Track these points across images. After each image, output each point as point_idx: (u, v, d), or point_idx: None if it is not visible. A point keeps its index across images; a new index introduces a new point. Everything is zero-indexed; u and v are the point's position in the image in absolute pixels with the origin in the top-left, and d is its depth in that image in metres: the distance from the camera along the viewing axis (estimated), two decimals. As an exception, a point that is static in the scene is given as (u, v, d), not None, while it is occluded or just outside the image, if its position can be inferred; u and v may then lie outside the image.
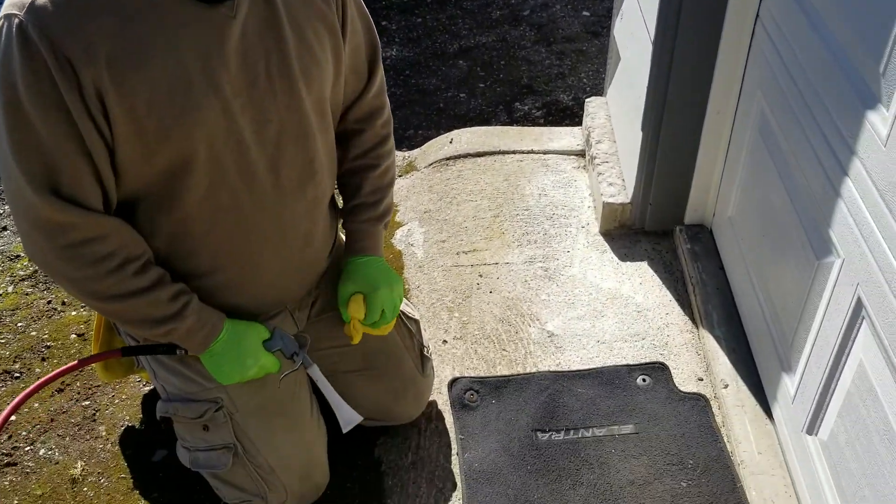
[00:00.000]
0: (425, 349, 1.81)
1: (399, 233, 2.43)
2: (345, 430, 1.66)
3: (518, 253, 2.32)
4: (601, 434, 1.81)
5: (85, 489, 1.81)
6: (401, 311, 1.75)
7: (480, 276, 2.26)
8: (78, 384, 2.04)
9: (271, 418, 1.55)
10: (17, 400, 1.43)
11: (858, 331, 1.35)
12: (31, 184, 1.18)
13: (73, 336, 2.16)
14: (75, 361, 1.51)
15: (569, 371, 1.96)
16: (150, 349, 1.48)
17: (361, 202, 1.59)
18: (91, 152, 1.18)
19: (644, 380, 1.92)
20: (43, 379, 1.48)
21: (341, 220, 1.64)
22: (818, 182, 1.48)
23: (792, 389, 1.64)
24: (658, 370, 1.94)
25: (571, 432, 1.82)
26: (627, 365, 1.97)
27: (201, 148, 1.24)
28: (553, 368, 1.99)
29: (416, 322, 1.81)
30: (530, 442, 1.81)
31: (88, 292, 1.30)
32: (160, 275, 1.33)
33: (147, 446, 1.89)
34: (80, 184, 1.21)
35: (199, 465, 1.57)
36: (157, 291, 1.32)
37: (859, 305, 1.34)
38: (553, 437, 1.81)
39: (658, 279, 2.21)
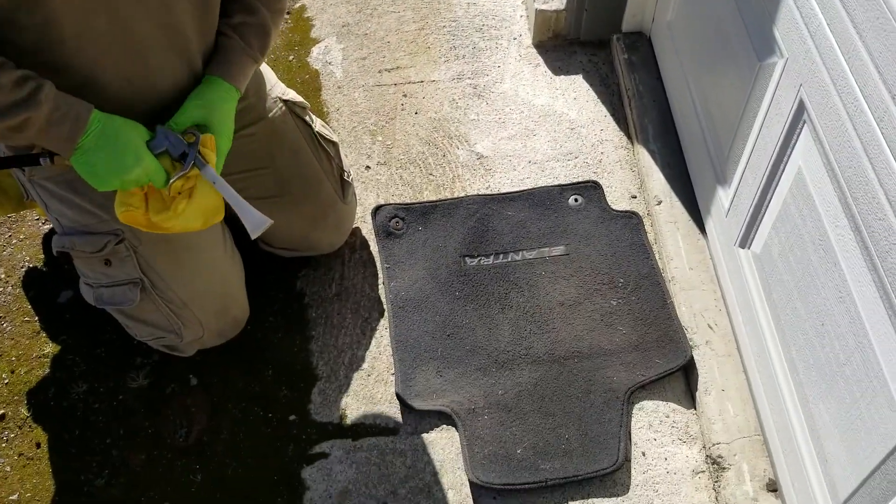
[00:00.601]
0: (345, 174, 1.68)
1: (315, 50, 2.23)
2: (253, 237, 1.48)
3: (445, 69, 2.15)
4: (531, 257, 1.74)
5: (-14, 335, 1.70)
6: (317, 133, 1.61)
7: (405, 95, 2.10)
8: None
9: (179, 250, 1.43)
10: None
11: (799, 136, 1.26)
12: None
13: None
14: None
15: (498, 194, 1.86)
16: (10, 161, 1.27)
17: (244, 21, 1.36)
18: None
19: (576, 199, 1.84)
20: None
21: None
22: (765, -27, 1.34)
23: (726, 203, 1.57)
24: (591, 189, 1.86)
25: (501, 256, 1.75)
26: (559, 185, 1.87)
27: None
28: (482, 192, 1.88)
29: (335, 145, 1.66)
30: (458, 268, 1.73)
31: None
32: (2, 60, 1.10)
33: (51, 287, 1.77)
34: None
35: (104, 301, 1.46)
36: None
37: (801, 109, 1.24)
38: (482, 261, 1.74)
39: (593, 93, 2.08)
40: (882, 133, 1.01)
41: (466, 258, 1.75)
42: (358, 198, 1.88)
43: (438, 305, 1.68)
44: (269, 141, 1.52)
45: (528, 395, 1.55)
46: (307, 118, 1.59)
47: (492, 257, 1.75)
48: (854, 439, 1.13)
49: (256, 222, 1.44)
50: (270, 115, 1.52)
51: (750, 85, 1.42)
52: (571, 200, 1.84)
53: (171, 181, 1.29)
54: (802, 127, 1.25)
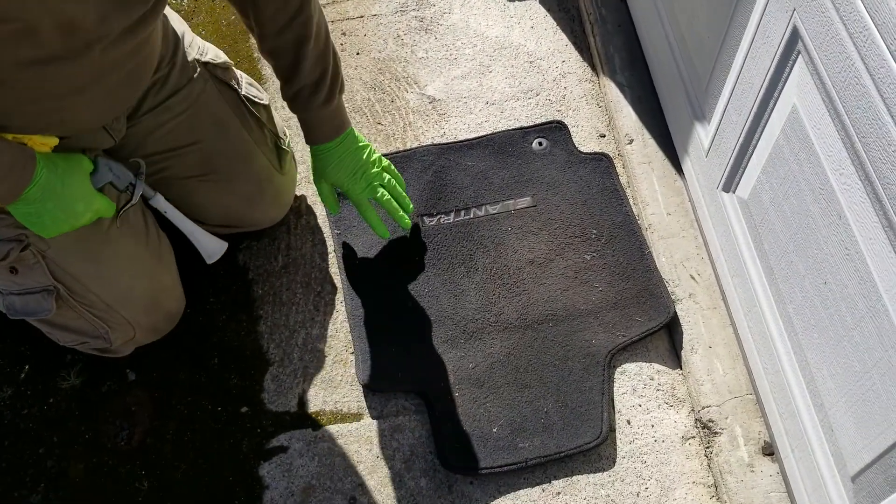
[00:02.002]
0: (281, 140, 1.49)
1: (241, -12, 1.99)
2: (210, 262, 1.40)
3: (387, 1, 1.94)
4: (495, 211, 1.59)
5: None
6: (245, 96, 1.42)
7: (343, 34, 1.89)
8: None
9: (95, 250, 1.25)
10: None
11: (792, 69, 1.11)
12: None
13: None
14: None
15: (455, 142, 1.69)
16: None
17: (303, 86, 1.27)
18: None
19: (540, 143, 1.67)
20: None
21: (288, 105, 1.35)
22: None
23: (706, 142, 1.42)
24: (556, 130, 1.69)
25: (462, 213, 1.59)
26: (521, 128, 1.70)
27: None
28: (438, 139, 1.71)
29: (266, 108, 1.47)
30: (417, 229, 1.57)
31: None
32: None
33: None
34: None
35: (17, 311, 1.28)
36: None
37: (794, 37, 1.08)
38: (442, 220, 1.58)
39: (551, 20, 1.89)
40: (899, 69, 0.85)
41: (424, 217, 1.59)
42: (300, 156, 1.69)
43: (397, 273, 1.53)
44: (190, 115, 1.33)
45: (500, 366, 1.42)
46: (232, 82, 1.39)
47: (452, 215, 1.59)
48: (865, 412, 1.02)
49: (212, 249, 1.41)
50: (189, 84, 1.32)
51: (731, 8, 1.25)
52: (535, 144, 1.67)
53: (121, 213, 1.26)
54: (797, 58, 1.09)
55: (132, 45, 1.08)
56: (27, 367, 1.49)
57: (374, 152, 1.43)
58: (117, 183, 1.24)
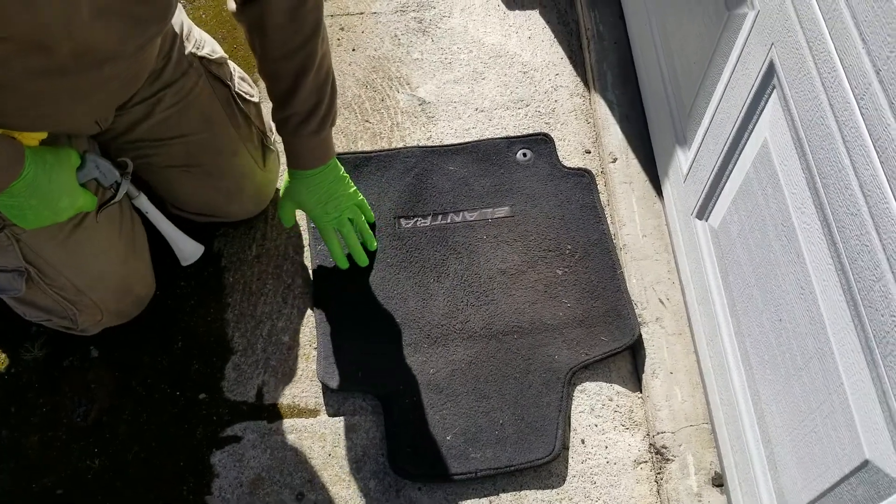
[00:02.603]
0: (267, 139, 1.49)
1: (244, -25, 1.99)
2: (184, 264, 1.41)
3: (388, 0, 1.94)
4: (472, 218, 1.58)
5: None
6: (236, 93, 1.42)
7: (342, 29, 1.89)
8: None
9: (70, 237, 1.25)
10: None
11: (767, 102, 1.10)
12: None
13: None
14: None
15: (440, 146, 1.69)
16: None
17: (294, 113, 1.27)
18: None
19: (525, 154, 1.67)
20: None
21: (276, 128, 1.35)
22: None
23: (685, 167, 1.42)
24: (541, 143, 1.69)
25: (439, 217, 1.58)
26: (507, 137, 1.70)
27: None
28: (423, 142, 1.71)
29: (256, 105, 1.47)
30: (392, 231, 1.57)
31: None
32: None
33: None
34: None
35: None
36: None
37: (771, 71, 1.07)
38: (418, 223, 1.58)
39: (550, 32, 1.88)
40: (861, 113, 0.85)
41: (401, 219, 1.58)
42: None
43: (367, 272, 1.53)
44: (180, 108, 1.33)
45: (461, 374, 1.42)
46: (225, 78, 1.39)
47: (429, 218, 1.58)
48: (807, 453, 1.01)
49: (189, 253, 1.42)
50: (181, 78, 1.32)
51: (717, 36, 1.25)
52: (520, 155, 1.67)
53: (102, 209, 1.26)
54: (772, 92, 1.08)
55: (139, 57, 1.11)
56: (-7, 335, 1.50)
57: (351, 185, 1.44)
58: (102, 180, 1.24)
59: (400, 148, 1.69)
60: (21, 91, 1.00)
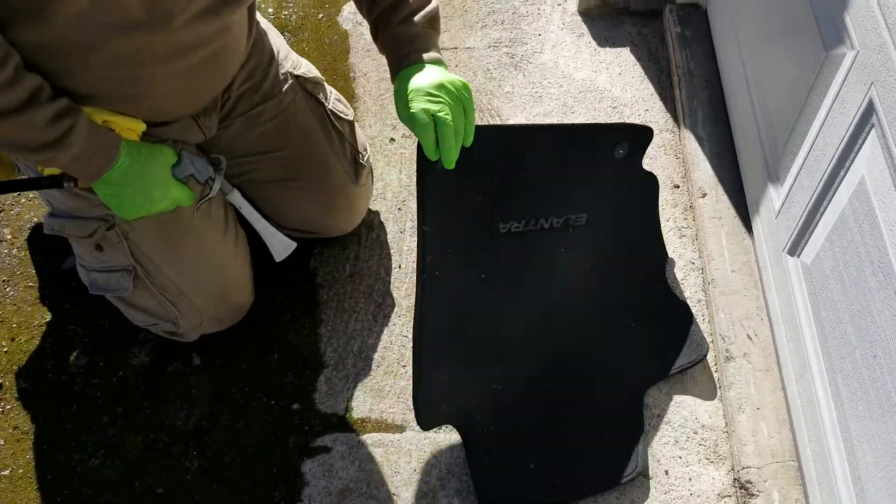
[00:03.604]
0: (360, 155, 1.56)
1: (346, 9, 2.10)
2: (278, 259, 1.47)
3: (482, 35, 2.01)
4: (558, 225, 1.43)
5: (-11, 299, 1.65)
6: (330, 111, 1.50)
7: (437, 62, 1.97)
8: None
9: (175, 237, 1.35)
10: None
11: (864, 141, 1.11)
12: None
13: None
14: None
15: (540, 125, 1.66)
16: (28, 184, 1.23)
17: (389, 4, 1.19)
18: None
19: (622, 150, 1.44)
20: None
21: (371, 31, 1.24)
22: (840, -50, 1.17)
23: (777, 203, 1.43)
24: (640, 137, 1.47)
25: (531, 222, 1.40)
26: (610, 125, 1.66)
27: None
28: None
29: (350, 124, 1.55)
30: (488, 235, 1.37)
31: None
32: (35, 88, 1.02)
33: (56, 252, 1.70)
34: None
35: (98, 287, 1.39)
36: (30, 112, 1.02)
37: (870, 110, 1.09)
38: (513, 227, 1.39)
39: (640, 69, 1.92)
40: (966, 152, 0.86)
41: (500, 223, 1.36)
42: (379, 173, 1.77)
43: (462, 287, 1.38)
44: (278, 123, 1.42)
45: (538, 399, 1.43)
46: (320, 96, 1.48)
47: (522, 222, 1.40)
48: (902, 491, 1.01)
49: (281, 247, 1.45)
50: (279, 94, 1.41)
51: (813, 76, 1.27)
52: (618, 151, 1.46)
53: (198, 205, 1.33)
54: (870, 131, 1.10)
55: (214, 27, 1.14)
56: (103, 340, 1.60)
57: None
58: (198, 176, 1.31)
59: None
60: (103, 50, 1.05)
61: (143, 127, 1.20)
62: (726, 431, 1.43)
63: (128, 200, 1.20)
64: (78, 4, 0.97)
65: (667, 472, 1.40)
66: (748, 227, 1.59)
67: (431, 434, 1.45)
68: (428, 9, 1.19)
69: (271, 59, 1.40)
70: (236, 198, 1.40)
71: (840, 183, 1.19)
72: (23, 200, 1.79)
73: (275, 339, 1.58)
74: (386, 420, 1.48)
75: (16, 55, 0.99)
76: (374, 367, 1.54)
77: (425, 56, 1.16)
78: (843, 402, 1.17)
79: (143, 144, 1.21)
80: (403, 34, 1.18)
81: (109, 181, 1.16)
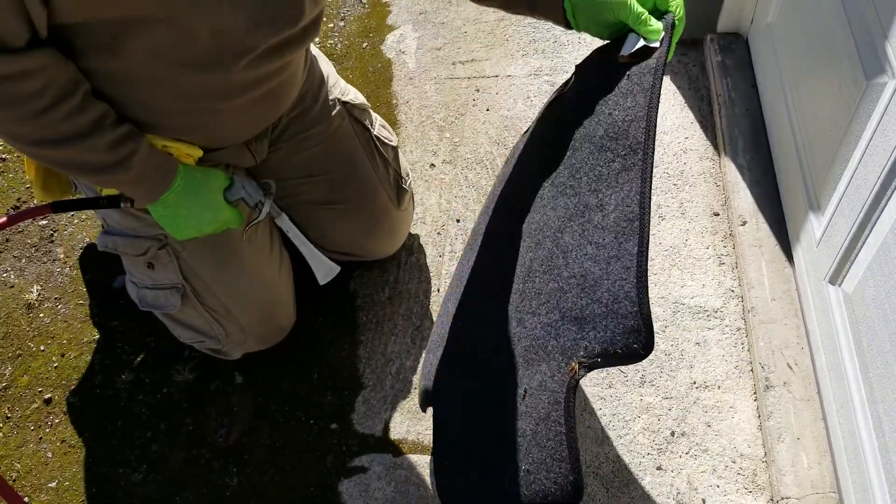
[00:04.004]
0: (403, 180, 1.60)
1: (390, 38, 2.15)
2: (322, 283, 1.51)
3: (522, 64, 2.04)
4: None
5: (41, 315, 1.70)
6: (376, 136, 1.53)
7: (477, 90, 2.00)
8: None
9: (223, 257, 1.39)
10: None
11: (907, 170, 1.11)
12: None
13: None
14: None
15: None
16: (87, 203, 1.28)
17: None
18: None
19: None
20: None
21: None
22: (881, -20, 1.18)
23: (818, 232, 1.42)
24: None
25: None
26: None
27: None
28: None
29: (394, 149, 1.58)
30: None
31: (13, 135, 1.05)
32: (100, 115, 1.06)
33: (107, 271, 1.76)
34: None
35: (147, 303, 1.43)
36: (95, 137, 1.07)
37: (912, 139, 1.09)
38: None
39: (680, 97, 1.93)
40: None
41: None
42: (420, 198, 1.80)
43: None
44: (325, 147, 1.46)
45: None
46: (366, 122, 1.52)
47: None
48: (946, 525, 0.99)
49: (325, 270, 1.49)
50: (328, 119, 1.45)
51: (854, 105, 1.27)
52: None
53: (247, 227, 1.37)
54: (912, 160, 1.09)
55: (276, 65, 1.18)
56: (148, 357, 1.64)
57: None
58: (248, 200, 1.35)
59: None
60: (173, 86, 1.10)
61: (200, 153, 1.25)
62: (765, 461, 1.41)
63: (181, 222, 1.24)
64: (149, 41, 1.01)
65: (704, 501, 1.38)
66: (788, 255, 1.58)
67: (467, 457, 1.46)
68: None
69: (321, 84, 1.44)
70: (284, 222, 1.44)
71: (882, 211, 1.18)
72: (76, 221, 1.85)
73: (315, 359, 1.61)
74: (423, 442, 1.49)
75: (85, 83, 1.04)
76: (411, 390, 1.55)
77: None
78: (885, 433, 1.15)
79: (197, 168, 1.25)
80: None
81: (165, 203, 1.21)
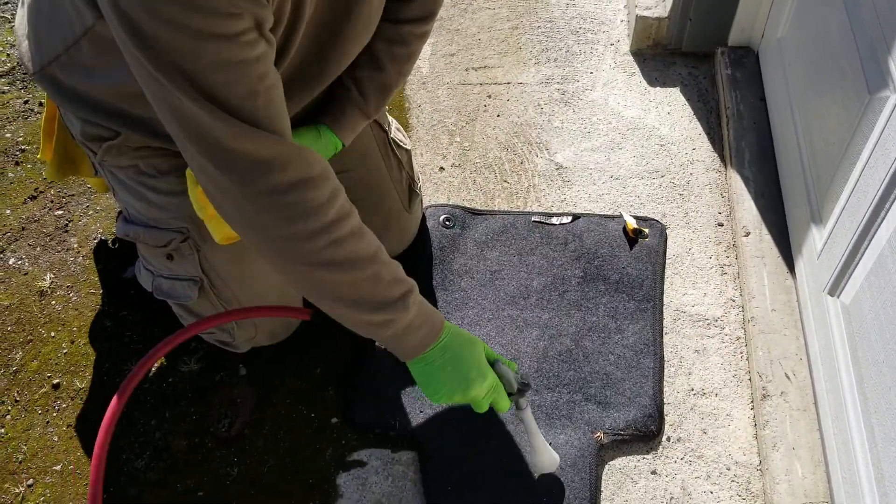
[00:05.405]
0: (414, 183, 1.62)
1: (405, 43, 2.18)
2: (535, 475, 1.40)
3: (534, 72, 2.07)
4: None
5: (53, 302, 1.74)
6: (391, 139, 1.56)
7: (489, 96, 2.03)
8: (52, 192, 1.93)
9: (242, 253, 1.41)
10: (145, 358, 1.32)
11: (905, 183, 1.13)
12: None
13: (48, 142, 2.02)
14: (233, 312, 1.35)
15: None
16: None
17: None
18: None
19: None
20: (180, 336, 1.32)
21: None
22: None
23: (819, 244, 1.43)
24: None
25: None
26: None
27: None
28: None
29: (407, 152, 1.61)
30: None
31: (293, 256, 1.02)
32: (378, 243, 1.05)
33: (119, 261, 1.79)
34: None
35: (163, 292, 1.45)
36: (379, 264, 1.04)
37: (911, 152, 1.10)
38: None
39: (689, 109, 1.95)
40: None
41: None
42: (428, 200, 1.82)
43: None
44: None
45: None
46: (384, 124, 1.54)
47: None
48: (932, 534, 1.00)
49: (545, 466, 1.36)
50: None
51: (857, 118, 1.28)
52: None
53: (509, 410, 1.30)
54: (910, 173, 1.11)
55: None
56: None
57: None
58: (506, 386, 1.26)
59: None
60: (305, 40, 1.11)
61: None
62: (760, 469, 1.42)
63: (443, 380, 1.17)
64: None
65: (698, 507, 1.40)
66: (790, 266, 1.59)
67: (465, 455, 1.48)
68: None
69: None
70: (526, 415, 1.32)
71: (880, 224, 1.19)
72: (91, 212, 1.89)
73: (318, 354, 1.63)
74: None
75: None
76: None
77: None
78: (878, 444, 1.16)
79: (459, 329, 1.20)
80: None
81: (427, 358, 1.16)
